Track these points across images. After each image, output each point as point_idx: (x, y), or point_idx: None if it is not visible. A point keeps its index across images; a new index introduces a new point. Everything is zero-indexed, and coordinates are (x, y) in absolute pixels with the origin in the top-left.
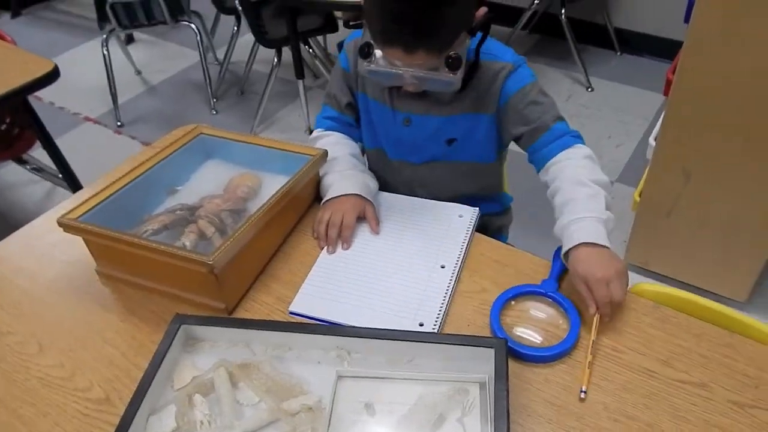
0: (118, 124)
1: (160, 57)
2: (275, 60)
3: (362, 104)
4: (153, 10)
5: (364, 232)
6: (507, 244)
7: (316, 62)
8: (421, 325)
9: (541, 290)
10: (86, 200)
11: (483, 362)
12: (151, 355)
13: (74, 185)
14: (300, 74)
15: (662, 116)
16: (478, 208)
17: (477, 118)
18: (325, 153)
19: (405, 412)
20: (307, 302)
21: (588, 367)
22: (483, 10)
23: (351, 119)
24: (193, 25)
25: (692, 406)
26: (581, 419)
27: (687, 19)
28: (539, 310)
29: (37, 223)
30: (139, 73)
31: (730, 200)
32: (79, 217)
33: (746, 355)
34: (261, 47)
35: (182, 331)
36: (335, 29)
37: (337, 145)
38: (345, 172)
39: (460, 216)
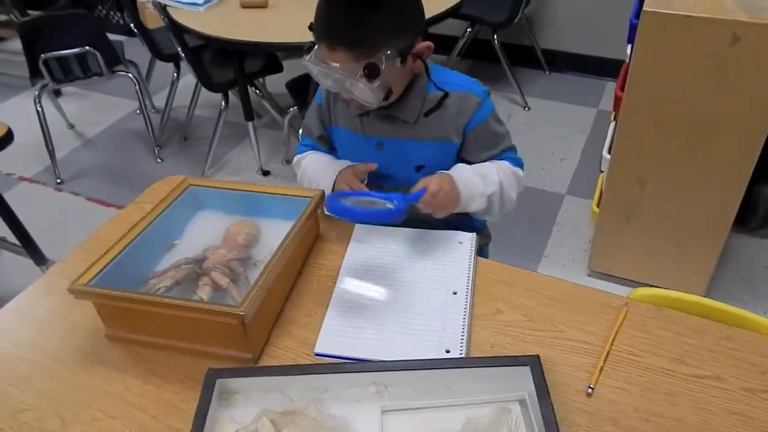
0: (58, 181)
1: (92, 109)
2: (222, 104)
3: (336, 137)
4: (89, 62)
5: (372, 268)
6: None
7: (264, 102)
8: (448, 351)
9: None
10: (91, 265)
11: (517, 380)
12: (182, 414)
13: (33, 250)
14: (249, 116)
15: (611, 129)
16: (475, 234)
17: (446, 146)
18: (323, 193)
19: None
20: (331, 342)
21: (599, 370)
22: (427, 44)
23: (324, 149)
24: (130, 75)
25: (711, 398)
26: (616, 423)
27: (630, 40)
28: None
29: (27, 294)
30: (71, 126)
31: (683, 203)
32: (88, 282)
33: (747, 344)
34: (201, 92)
35: (216, 385)
36: (280, 69)
37: (317, 157)
38: (327, 167)
39: (460, 242)
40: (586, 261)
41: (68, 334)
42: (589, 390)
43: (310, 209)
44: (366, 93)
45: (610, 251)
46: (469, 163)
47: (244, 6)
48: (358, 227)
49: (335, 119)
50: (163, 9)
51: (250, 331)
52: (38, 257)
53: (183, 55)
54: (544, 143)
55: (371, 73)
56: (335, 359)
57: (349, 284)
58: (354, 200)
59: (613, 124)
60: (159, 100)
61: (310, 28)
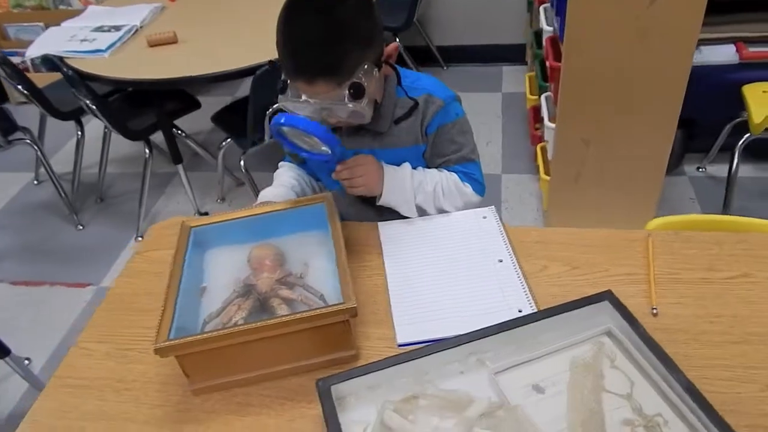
0: None
1: None
2: (147, 152)
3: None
4: None
5: (414, 258)
6: None
7: (188, 142)
8: (520, 311)
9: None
10: (160, 324)
11: (591, 318)
12: None
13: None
14: (178, 159)
15: (544, 101)
16: (493, 206)
17: (417, 149)
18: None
19: (569, 379)
20: (409, 331)
21: (654, 293)
22: (394, 45)
23: (302, 165)
24: (28, 140)
25: (749, 292)
26: (688, 332)
27: (559, 13)
28: None
29: (66, 364)
30: None
31: (624, 156)
32: (166, 339)
33: (757, 243)
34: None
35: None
36: (198, 105)
37: (284, 170)
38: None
39: (484, 217)
40: (542, 224)
41: (140, 393)
42: (654, 311)
43: (331, 210)
44: (356, 112)
45: (565, 210)
46: (428, 165)
47: (152, 45)
48: (381, 226)
49: None
50: (61, 61)
51: (352, 326)
52: (1, 350)
53: (93, 107)
54: None
55: (357, 93)
56: (420, 345)
57: (401, 277)
58: (294, 132)
59: (544, 97)
60: (55, 165)
61: (274, 64)
